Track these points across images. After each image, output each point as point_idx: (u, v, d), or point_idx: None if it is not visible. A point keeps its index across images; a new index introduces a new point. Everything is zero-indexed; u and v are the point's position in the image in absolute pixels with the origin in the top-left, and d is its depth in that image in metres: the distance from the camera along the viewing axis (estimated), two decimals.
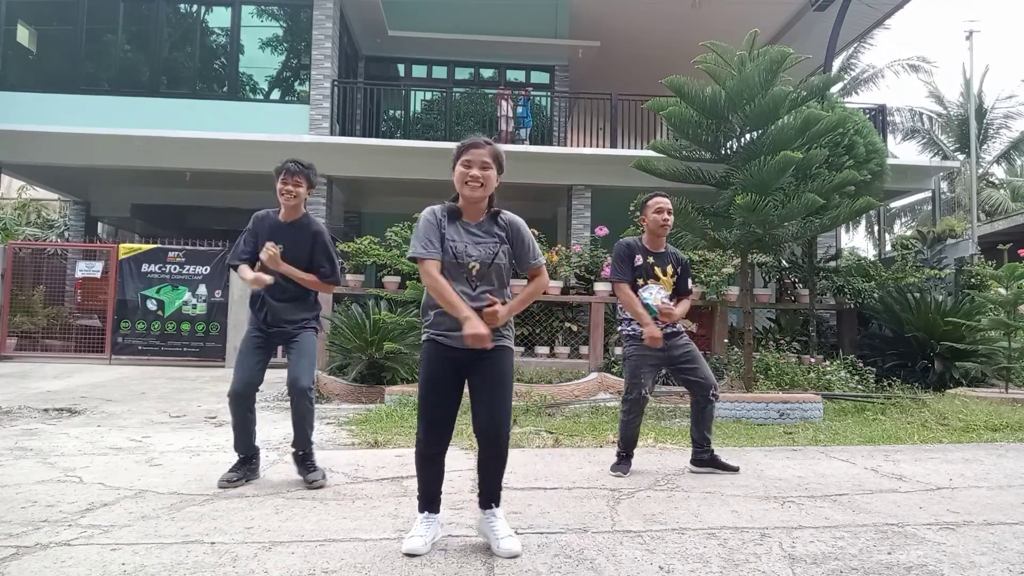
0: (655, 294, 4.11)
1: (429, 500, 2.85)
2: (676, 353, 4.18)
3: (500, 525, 2.78)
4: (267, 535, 2.91)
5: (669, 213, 4.21)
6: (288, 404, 3.97)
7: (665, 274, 4.20)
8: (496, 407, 2.76)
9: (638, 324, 4.16)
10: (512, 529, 2.85)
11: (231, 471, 3.81)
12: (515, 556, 2.68)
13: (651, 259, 4.19)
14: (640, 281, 4.16)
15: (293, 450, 3.88)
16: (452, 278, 2.76)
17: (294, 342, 3.86)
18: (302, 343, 3.86)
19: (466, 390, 2.86)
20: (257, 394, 3.83)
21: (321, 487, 3.70)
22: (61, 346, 11.08)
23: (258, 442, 4.67)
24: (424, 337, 2.87)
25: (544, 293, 2.95)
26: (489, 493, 2.83)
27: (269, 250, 3.73)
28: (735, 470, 4.16)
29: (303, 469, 3.83)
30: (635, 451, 4.33)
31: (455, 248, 2.77)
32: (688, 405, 4.50)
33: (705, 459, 4.23)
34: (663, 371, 4.41)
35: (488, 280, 2.80)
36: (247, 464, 3.86)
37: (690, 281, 4.33)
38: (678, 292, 4.27)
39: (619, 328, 4.47)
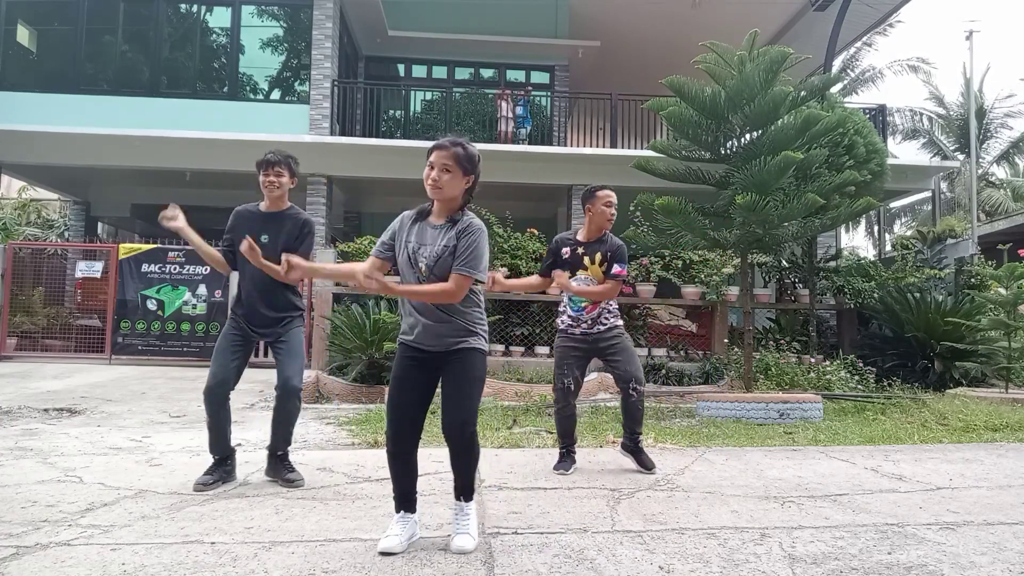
0: (583, 285, 4.20)
1: (403, 498, 2.86)
2: (602, 346, 4.25)
3: (462, 520, 2.82)
4: (267, 535, 2.91)
5: (615, 208, 4.30)
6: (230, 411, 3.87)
7: (593, 262, 4.22)
8: (457, 405, 2.79)
9: (566, 316, 4.30)
10: (475, 527, 2.82)
11: (207, 473, 3.72)
12: (463, 553, 2.70)
13: (580, 249, 4.24)
14: (568, 274, 4.23)
15: (270, 452, 3.81)
16: (406, 278, 2.86)
17: (282, 342, 3.82)
18: (291, 343, 3.82)
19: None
20: (232, 393, 3.77)
21: (300, 487, 3.67)
22: (61, 346, 11.06)
23: (260, 442, 4.66)
24: (398, 340, 2.97)
25: (449, 298, 2.77)
26: (458, 486, 2.87)
27: (247, 243, 3.61)
28: (649, 468, 4.14)
29: (283, 469, 3.77)
30: (578, 448, 4.37)
31: (410, 248, 2.84)
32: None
33: (628, 447, 4.28)
34: (590, 361, 4.43)
35: (436, 281, 2.79)
36: (223, 466, 3.78)
37: (618, 266, 4.19)
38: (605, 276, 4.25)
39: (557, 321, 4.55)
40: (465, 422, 2.77)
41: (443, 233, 2.82)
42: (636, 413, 4.25)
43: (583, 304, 4.23)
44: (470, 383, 2.83)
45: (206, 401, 3.70)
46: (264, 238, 3.72)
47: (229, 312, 3.88)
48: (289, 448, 3.87)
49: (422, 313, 2.82)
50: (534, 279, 4.39)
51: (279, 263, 3.71)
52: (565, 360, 4.26)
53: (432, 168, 2.79)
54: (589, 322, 4.23)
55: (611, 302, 4.29)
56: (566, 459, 4.24)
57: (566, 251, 4.24)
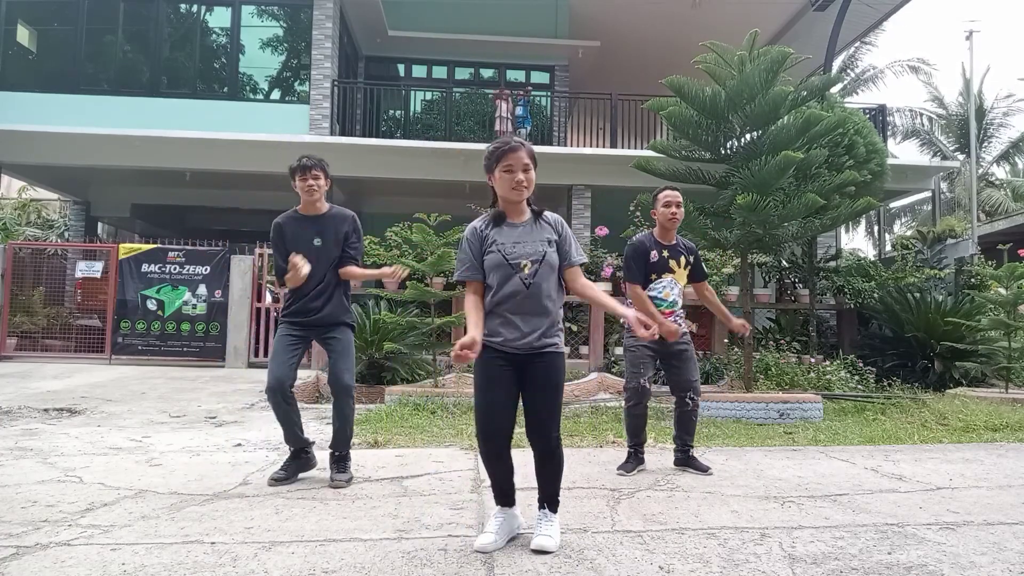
0: (668, 288, 4.20)
1: (502, 494, 2.89)
2: (673, 349, 4.24)
3: (545, 524, 2.82)
4: (267, 535, 2.91)
5: (678, 207, 4.28)
6: (297, 405, 3.94)
7: (679, 266, 4.27)
8: (541, 410, 2.81)
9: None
10: (557, 532, 2.82)
11: (281, 468, 3.81)
12: (543, 552, 2.70)
13: (665, 252, 4.25)
14: (654, 276, 4.21)
15: (331, 450, 3.85)
16: (504, 279, 2.79)
17: (333, 339, 3.85)
18: (343, 341, 3.87)
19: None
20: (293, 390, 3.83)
21: (339, 488, 3.67)
22: (61, 346, 11.06)
23: (260, 442, 4.66)
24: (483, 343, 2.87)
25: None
26: (544, 495, 2.87)
27: (298, 267, 3.66)
28: (706, 470, 4.16)
29: (334, 469, 3.80)
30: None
31: (503, 249, 2.82)
32: None
33: (680, 459, 4.28)
34: (658, 362, 4.43)
35: (542, 277, 2.80)
36: (297, 459, 3.85)
37: (704, 265, 4.33)
38: (695, 279, 4.35)
39: (622, 320, 4.51)
40: (551, 427, 2.80)
41: (533, 228, 2.87)
42: (689, 424, 4.25)
43: (664, 309, 4.17)
44: (554, 388, 2.83)
45: (269, 400, 3.78)
46: (317, 241, 3.83)
47: (280, 316, 3.95)
48: (350, 451, 3.89)
49: (516, 313, 2.79)
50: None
51: (335, 264, 3.83)
52: (641, 360, 4.22)
53: (514, 171, 2.82)
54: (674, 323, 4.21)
55: (679, 306, 4.32)
56: (632, 459, 4.20)
57: (654, 254, 4.21)
